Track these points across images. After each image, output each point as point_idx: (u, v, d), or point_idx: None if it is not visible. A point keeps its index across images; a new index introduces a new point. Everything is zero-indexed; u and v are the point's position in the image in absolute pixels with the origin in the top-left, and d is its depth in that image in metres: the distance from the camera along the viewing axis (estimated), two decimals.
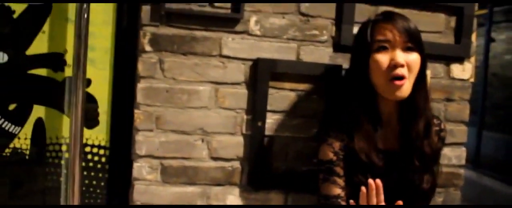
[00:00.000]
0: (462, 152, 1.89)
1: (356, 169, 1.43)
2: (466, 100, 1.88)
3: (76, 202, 1.57)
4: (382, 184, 1.34)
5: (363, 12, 1.72)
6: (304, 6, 1.69)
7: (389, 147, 1.49)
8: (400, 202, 1.33)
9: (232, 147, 1.69)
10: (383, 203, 1.32)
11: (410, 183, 1.47)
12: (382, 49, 1.42)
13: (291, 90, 1.71)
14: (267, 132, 1.70)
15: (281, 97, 1.71)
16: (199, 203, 1.67)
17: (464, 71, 1.86)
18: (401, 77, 1.41)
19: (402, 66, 1.40)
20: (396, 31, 1.41)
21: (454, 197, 1.88)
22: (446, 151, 1.81)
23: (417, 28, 1.46)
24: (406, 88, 1.42)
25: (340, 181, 1.42)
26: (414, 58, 1.43)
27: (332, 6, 1.71)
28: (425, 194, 1.50)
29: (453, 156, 1.87)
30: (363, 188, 1.31)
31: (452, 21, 1.84)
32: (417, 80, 1.46)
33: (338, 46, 1.72)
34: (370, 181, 1.31)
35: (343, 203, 1.41)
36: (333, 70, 1.70)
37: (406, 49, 1.42)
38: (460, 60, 1.85)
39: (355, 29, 1.67)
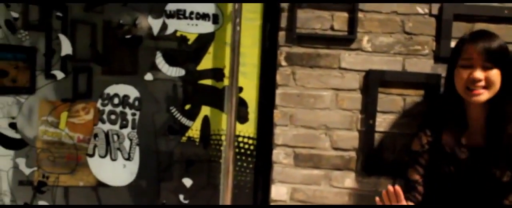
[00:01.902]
0: None
1: (442, 161, 1.78)
2: None
3: (230, 176, 2.13)
4: (464, 176, 1.69)
5: (460, 29, 2.04)
6: (408, 26, 2.07)
7: (474, 143, 1.77)
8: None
9: (349, 140, 2.12)
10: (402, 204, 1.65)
11: (491, 176, 1.72)
12: (465, 65, 1.72)
13: (398, 94, 2.10)
14: (377, 129, 2.10)
15: (389, 100, 2.10)
16: (322, 184, 2.13)
17: None
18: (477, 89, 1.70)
19: (479, 81, 1.68)
20: (477, 52, 1.68)
21: None
22: None
23: (502, 46, 1.70)
24: (483, 96, 1.69)
25: (421, 169, 1.80)
26: (493, 73, 1.68)
27: (432, 25, 2.07)
28: (505, 187, 1.73)
29: None
30: (384, 191, 1.67)
31: None
32: (503, 89, 1.71)
33: (438, 58, 2.07)
34: (389, 187, 1.64)
35: (420, 187, 1.79)
36: (433, 78, 2.05)
37: (485, 67, 1.69)
38: None
39: (453, 43, 2.02)
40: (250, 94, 2.24)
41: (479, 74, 1.68)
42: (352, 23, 2.08)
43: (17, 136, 2.32)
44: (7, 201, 2.35)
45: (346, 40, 2.10)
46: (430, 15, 2.07)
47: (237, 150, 2.22)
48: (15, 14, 2.25)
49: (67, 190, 2.36)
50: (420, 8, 2.07)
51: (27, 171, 2.32)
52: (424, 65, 2.08)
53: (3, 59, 2.30)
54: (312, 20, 2.10)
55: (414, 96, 2.09)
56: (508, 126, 1.72)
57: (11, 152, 2.31)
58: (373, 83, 2.08)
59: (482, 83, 1.69)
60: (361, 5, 2.08)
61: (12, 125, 2.31)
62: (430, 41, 2.08)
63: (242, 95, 2.23)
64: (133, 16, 2.25)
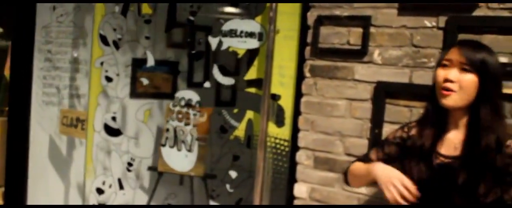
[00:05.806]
0: None
1: (413, 164, 1.78)
2: None
3: (261, 168, 2.46)
4: (434, 183, 1.70)
5: None
6: (416, 39, 2.12)
7: (450, 153, 1.75)
8: None
9: (360, 147, 2.26)
10: None
11: (471, 192, 1.66)
12: (444, 65, 1.72)
13: (405, 106, 2.16)
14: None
15: (396, 111, 2.17)
16: (336, 186, 2.30)
17: None
18: (448, 89, 1.68)
19: (451, 81, 1.67)
20: (457, 54, 1.68)
21: None
22: None
23: (487, 56, 1.66)
24: (453, 99, 1.67)
25: (380, 155, 1.85)
26: (468, 78, 1.65)
27: (439, 38, 2.08)
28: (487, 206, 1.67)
29: None
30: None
31: None
32: (479, 97, 1.67)
33: None
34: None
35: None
36: None
37: (463, 70, 1.67)
38: None
39: None
40: (287, 102, 2.54)
41: (453, 74, 1.67)
42: (365, 38, 2.23)
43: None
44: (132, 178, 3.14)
45: (360, 53, 2.25)
46: (438, 28, 2.09)
47: (274, 150, 2.53)
48: (119, 36, 3.02)
49: (182, 177, 3.01)
50: (428, 22, 2.10)
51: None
52: (430, 77, 2.09)
53: (149, 71, 3.07)
54: (332, 35, 2.31)
55: (419, 108, 2.11)
56: (484, 137, 1.67)
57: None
58: (380, 94, 2.18)
59: (455, 86, 1.67)
60: (374, 20, 2.21)
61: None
62: (436, 53, 2.09)
63: (281, 102, 2.54)
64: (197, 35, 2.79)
